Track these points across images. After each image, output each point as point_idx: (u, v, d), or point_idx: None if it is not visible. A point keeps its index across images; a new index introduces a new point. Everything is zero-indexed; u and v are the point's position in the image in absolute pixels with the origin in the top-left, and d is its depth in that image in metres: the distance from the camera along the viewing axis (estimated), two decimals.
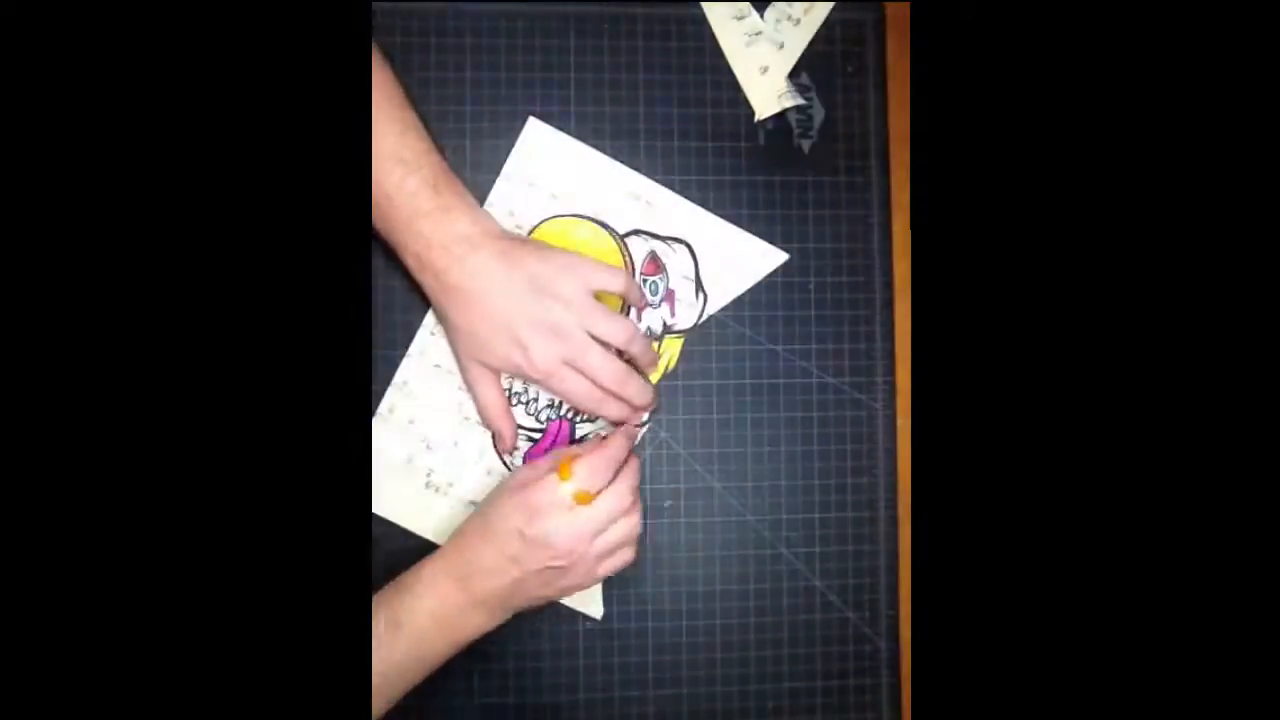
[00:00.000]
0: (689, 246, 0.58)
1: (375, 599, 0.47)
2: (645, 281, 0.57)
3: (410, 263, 0.50)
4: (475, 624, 0.48)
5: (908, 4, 0.58)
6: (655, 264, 0.57)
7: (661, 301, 0.57)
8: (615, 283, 0.52)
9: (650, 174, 0.58)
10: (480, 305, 0.49)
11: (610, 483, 0.49)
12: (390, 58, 0.53)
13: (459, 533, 0.50)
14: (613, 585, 0.57)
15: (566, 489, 0.48)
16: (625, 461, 0.51)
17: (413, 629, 0.47)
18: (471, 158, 0.57)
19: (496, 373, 0.53)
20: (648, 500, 0.57)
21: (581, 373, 0.51)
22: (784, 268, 0.59)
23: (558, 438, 0.56)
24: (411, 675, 0.47)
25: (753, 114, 0.58)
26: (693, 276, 0.58)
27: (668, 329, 0.57)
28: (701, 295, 0.58)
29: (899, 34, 0.59)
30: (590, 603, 0.56)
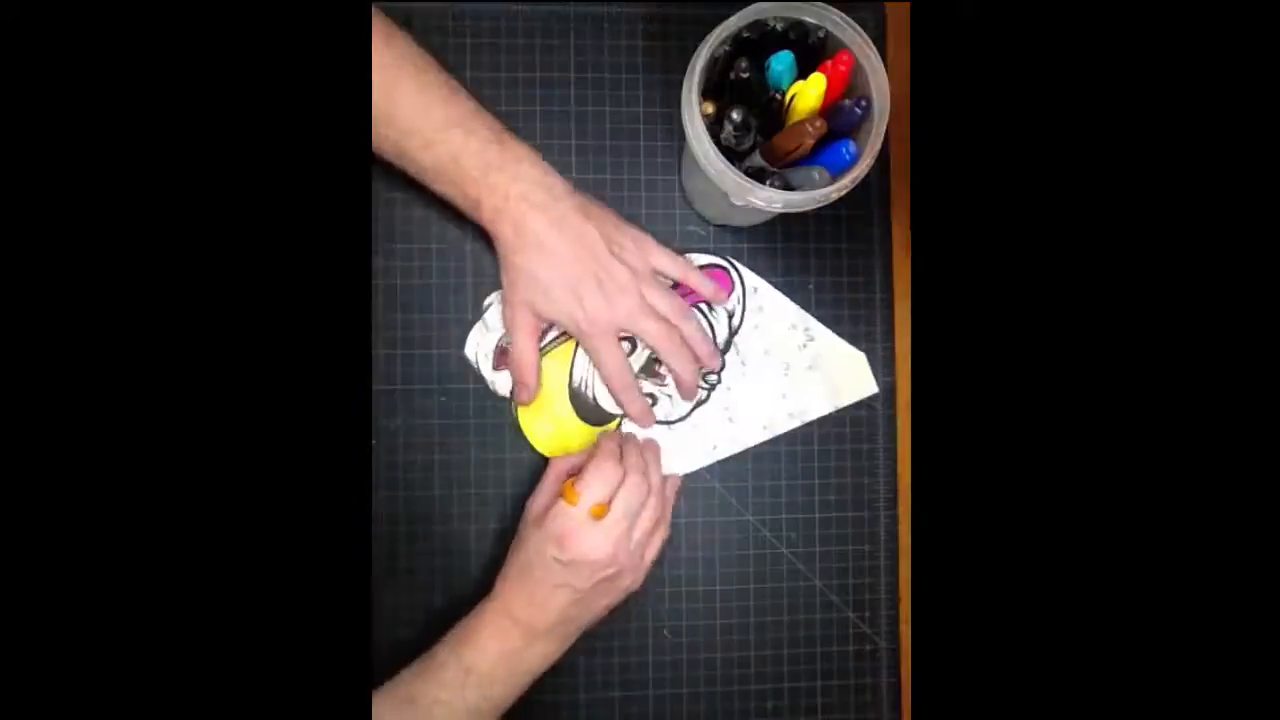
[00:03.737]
0: (763, 274, 0.58)
1: (439, 648, 0.49)
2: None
3: (487, 215, 0.50)
4: (543, 654, 0.49)
5: (908, 4, 0.58)
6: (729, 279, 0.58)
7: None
8: (675, 269, 0.54)
9: (650, 173, 0.58)
10: (552, 254, 0.50)
11: (621, 481, 0.49)
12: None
13: (503, 578, 0.50)
14: None
15: (580, 507, 0.48)
16: (624, 455, 0.51)
17: (482, 674, 0.47)
18: None
19: (539, 325, 0.53)
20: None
21: (631, 336, 0.53)
22: (783, 268, 0.59)
23: None
24: (487, 718, 0.48)
25: None
26: (730, 326, 0.58)
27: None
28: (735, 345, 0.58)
29: (899, 34, 0.59)
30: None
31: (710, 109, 0.47)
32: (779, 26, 0.47)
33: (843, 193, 0.46)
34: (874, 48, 0.46)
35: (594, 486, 0.49)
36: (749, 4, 0.46)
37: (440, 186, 0.50)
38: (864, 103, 0.46)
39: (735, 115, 0.46)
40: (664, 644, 0.57)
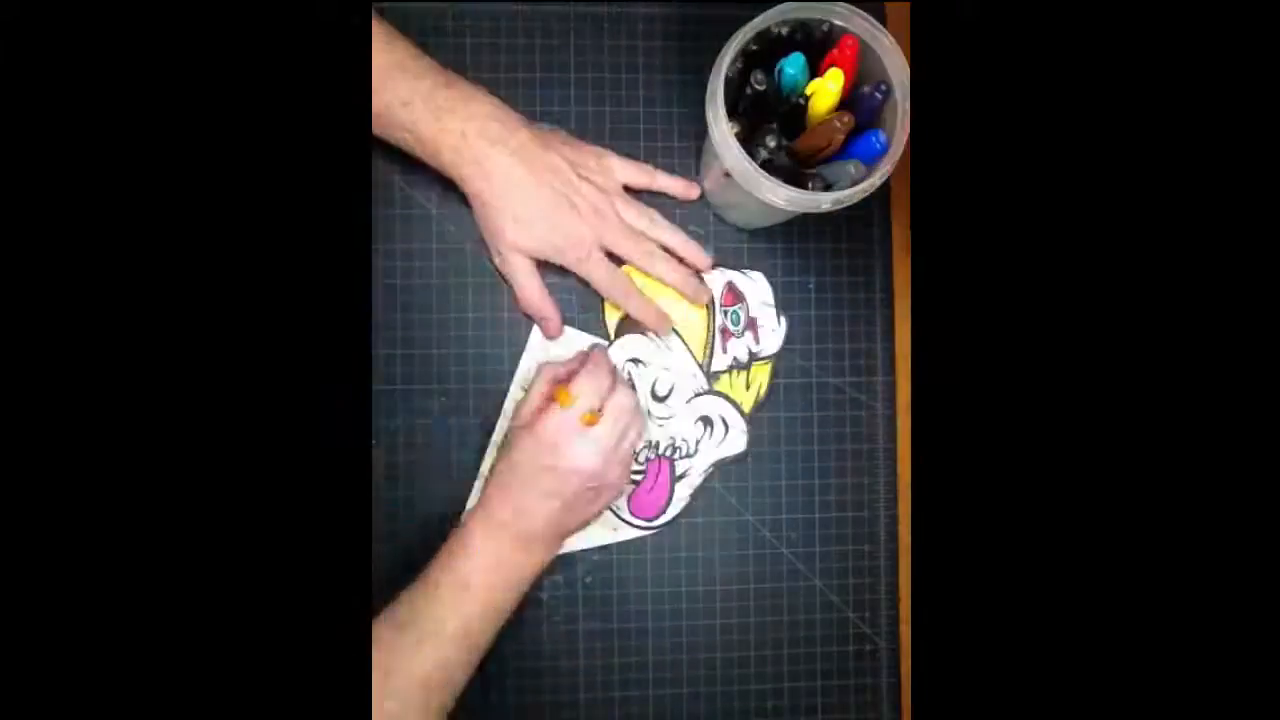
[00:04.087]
0: (764, 274, 0.58)
1: (433, 566, 0.49)
2: (726, 312, 0.57)
3: (447, 158, 0.50)
4: (535, 562, 0.50)
5: (908, 4, 0.58)
6: (734, 294, 0.58)
7: (745, 330, 0.57)
8: (640, 177, 0.55)
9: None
10: (521, 187, 0.50)
11: (611, 390, 0.50)
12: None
13: (491, 485, 0.50)
14: (612, 586, 0.57)
15: (572, 413, 0.49)
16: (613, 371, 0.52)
17: (479, 586, 0.48)
18: None
19: (533, 260, 0.53)
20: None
21: (612, 253, 0.53)
22: (784, 268, 0.59)
23: (659, 478, 0.57)
24: (490, 629, 0.48)
25: None
26: (772, 302, 0.58)
27: (754, 356, 0.58)
28: (782, 320, 0.58)
29: (899, 34, 0.59)
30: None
31: (737, 128, 0.47)
32: (784, 31, 0.47)
33: (885, 179, 0.46)
34: (883, 29, 0.46)
35: (587, 392, 0.49)
36: (749, 4, 0.46)
37: (393, 133, 0.50)
38: (883, 86, 0.46)
39: (770, 141, 0.47)
40: (664, 644, 0.57)
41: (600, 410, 0.50)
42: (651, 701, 0.57)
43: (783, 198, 0.45)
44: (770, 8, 0.46)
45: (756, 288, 0.58)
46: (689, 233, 0.58)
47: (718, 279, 0.58)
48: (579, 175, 0.52)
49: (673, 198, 0.57)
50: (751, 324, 0.58)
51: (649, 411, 0.57)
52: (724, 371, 0.57)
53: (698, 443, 0.57)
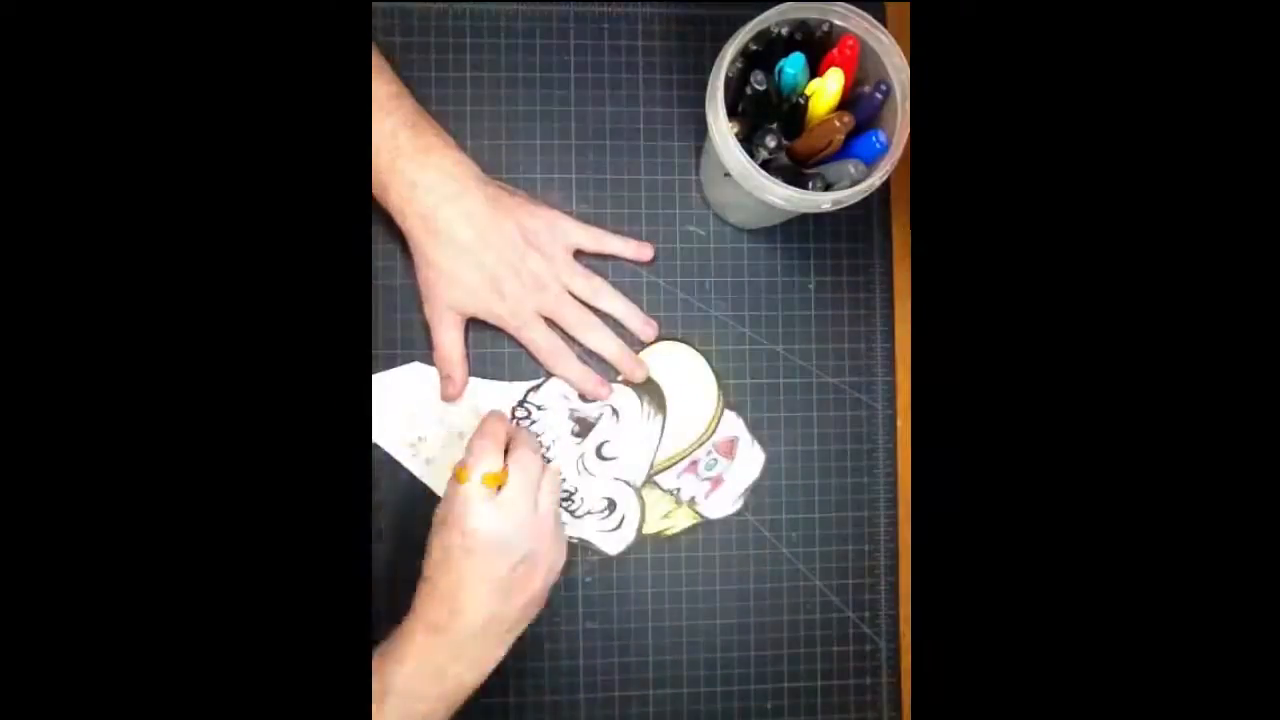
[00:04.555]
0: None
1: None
2: (713, 454, 0.57)
3: (394, 203, 0.49)
4: (474, 661, 0.46)
5: (908, 4, 0.58)
6: (729, 448, 0.57)
7: (707, 480, 0.57)
8: (590, 242, 0.55)
9: (650, 173, 0.58)
10: (468, 250, 0.50)
11: (510, 453, 0.47)
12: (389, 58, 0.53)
13: (418, 595, 0.46)
14: (612, 586, 0.57)
15: (474, 482, 0.45)
16: (512, 435, 0.49)
17: (401, 693, 0.43)
18: (472, 157, 0.57)
19: (464, 320, 0.53)
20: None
21: (555, 323, 0.53)
22: (784, 268, 0.59)
23: None
24: None
25: None
26: (750, 484, 0.58)
27: (692, 502, 0.57)
28: (743, 499, 0.58)
29: (899, 34, 0.59)
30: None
31: (737, 128, 0.47)
32: (784, 31, 0.47)
33: (885, 178, 0.46)
34: (883, 29, 0.46)
35: (482, 457, 0.46)
36: (749, 3, 0.46)
37: None
38: (884, 86, 0.46)
39: (770, 141, 0.47)
40: (664, 644, 0.57)
41: (504, 469, 0.46)
42: (651, 701, 0.57)
43: (782, 198, 0.45)
44: (770, 8, 0.46)
45: (752, 462, 0.58)
46: (688, 233, 0.58)
47: (732, 423, 0.57)
48: (528, 242, 0.51)
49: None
50: (718, 481, 0.57)
51: (582, 460, 0.56)
52: (659, 488, 0.57)
53: (587, 513, 0.56)
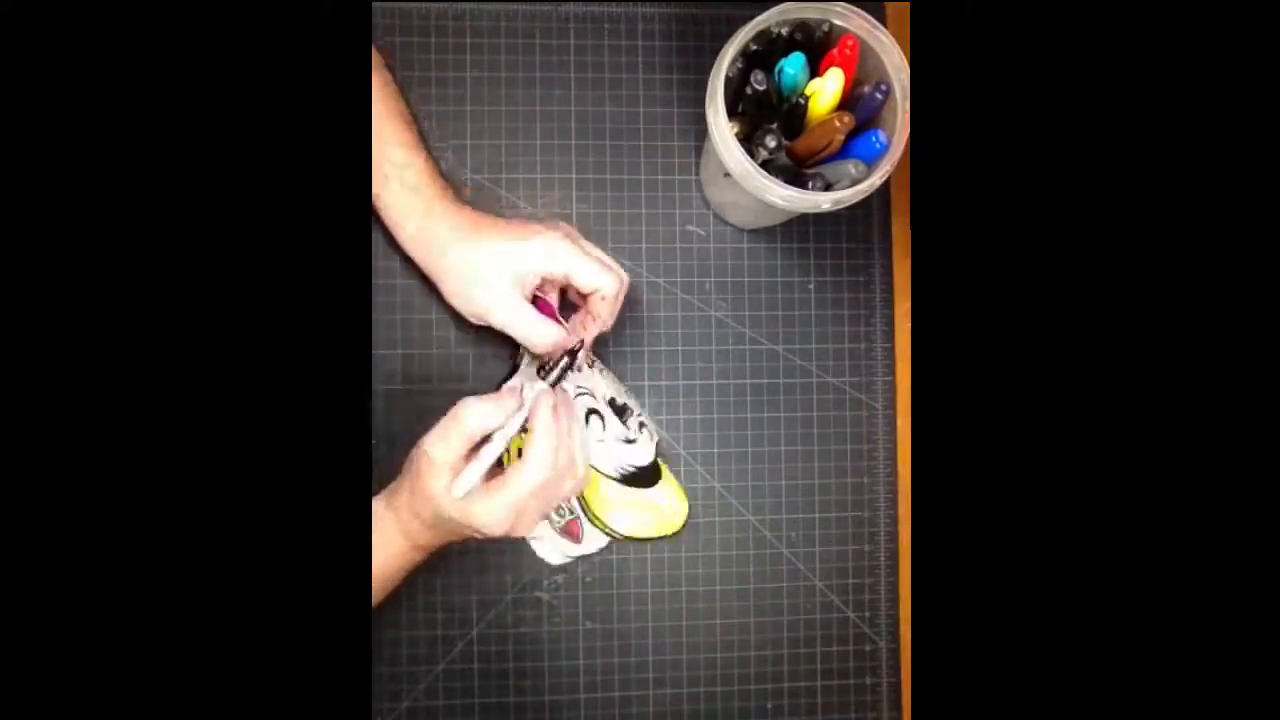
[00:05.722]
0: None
1: None
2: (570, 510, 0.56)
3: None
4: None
5: (908, 4, 0.58)
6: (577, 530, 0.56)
7: (563, 527, 0.56)
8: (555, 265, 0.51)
9: (650, 173, 0.58)
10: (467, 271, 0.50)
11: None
12: (391, 62, 0.53)
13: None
14: (612, 586, 0.57)
15: (464, 483, 0.45)
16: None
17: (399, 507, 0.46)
18: (472, 158, 0.57)
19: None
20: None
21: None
22: (784, 268, 0.59)
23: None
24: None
25: None
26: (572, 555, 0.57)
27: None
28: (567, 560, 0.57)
29: (899, 33, 0.59)
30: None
31: (737, 128, 0.47)
32: (784, 31, 0.47)
33: (885, 178, 0.46)
34: (882, 28, 0.46)
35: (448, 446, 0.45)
36: (749, 3, 0.46)
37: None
38: (884, 86, 0.46)
39: (770, 141, 0.47)
40: (664, 644, 0.57)
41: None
42: (651, 701, 0.57)
43: (783, 198, 0.45)
44: (770, 8, 0.46)
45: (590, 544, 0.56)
46: (688, 233, 0.58)
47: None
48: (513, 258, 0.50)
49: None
50: (570, 530, 0.56)
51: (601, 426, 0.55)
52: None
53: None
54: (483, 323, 0.51)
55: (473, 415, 0.45)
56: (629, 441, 0.54)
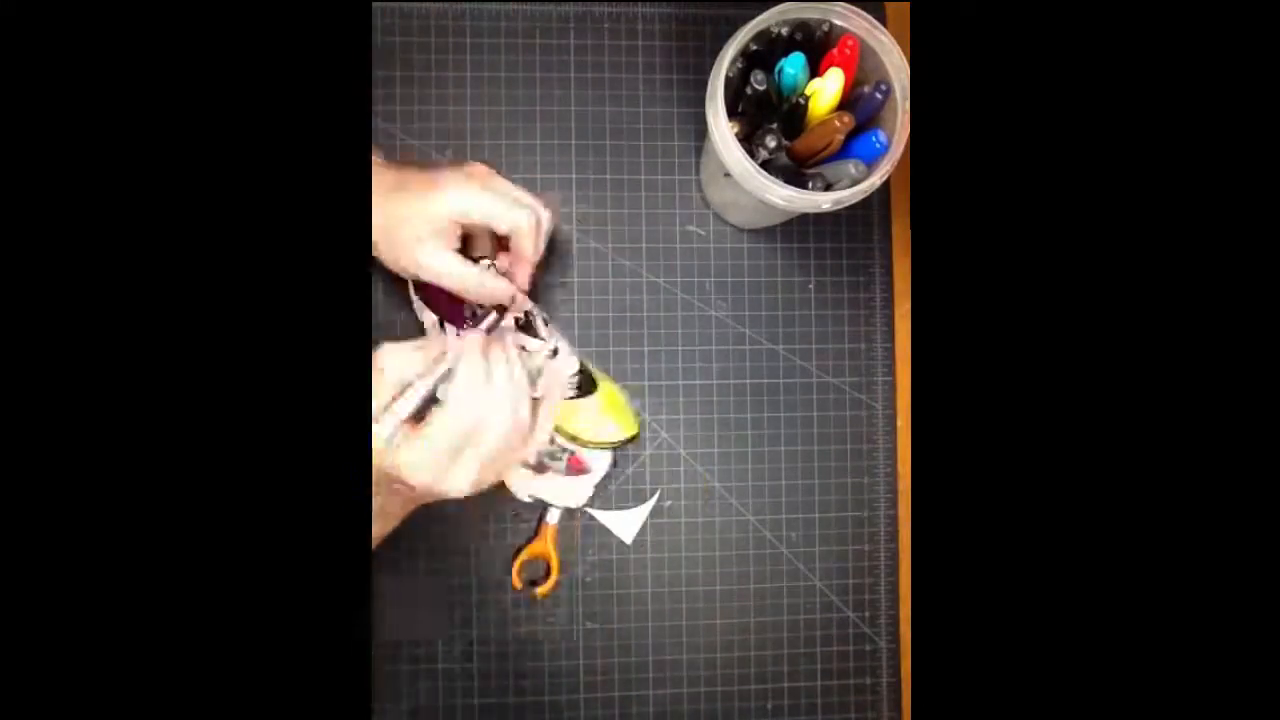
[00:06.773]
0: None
1: None
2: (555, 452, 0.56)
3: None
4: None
5: (908, 4, 0.58)
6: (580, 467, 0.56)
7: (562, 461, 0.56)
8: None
9: (650, 173, 0.58)
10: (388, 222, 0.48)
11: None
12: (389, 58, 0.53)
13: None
14: (612, 586, 0.57)
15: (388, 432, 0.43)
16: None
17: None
18: (472, 158, 0.57)
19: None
20: (648, 497, 0.57)
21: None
22: (784, 268, 0.59)
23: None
24: None
25: None
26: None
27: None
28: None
29: (899, 33, 0.59)
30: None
31: (737, 128, 0.47)
32: (784, 31, 0.47)
33: (885, 178, 0.46)
34: (882, 29, 0.46)
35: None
36: (749, 4, 0.46)
37: None
38: (884, 86, 0.46)
39: (770, 141, 0.47)
40: (664, 644, 0.57)
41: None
42: (651, 701, 0.57)
43: (783, 198, 0.45)
44: (770, 8, 0.46)
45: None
46: (688, 233, 0.58)
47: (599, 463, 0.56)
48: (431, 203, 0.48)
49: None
50: (574, 465, 0.56)
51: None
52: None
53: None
54: (417, 279, 0.50)
55: (391, 361, 0.43)
56: (554, 354, 0.54)
